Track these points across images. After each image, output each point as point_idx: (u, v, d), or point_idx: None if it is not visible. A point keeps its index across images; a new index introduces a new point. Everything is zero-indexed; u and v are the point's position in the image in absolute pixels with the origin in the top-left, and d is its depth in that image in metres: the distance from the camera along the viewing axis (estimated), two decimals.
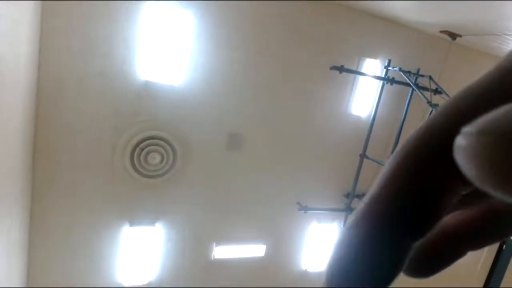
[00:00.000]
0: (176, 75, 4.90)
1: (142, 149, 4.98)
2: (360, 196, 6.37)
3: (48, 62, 4.24)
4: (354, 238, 0.20)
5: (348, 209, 6.19)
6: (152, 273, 5.57)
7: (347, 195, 6.30)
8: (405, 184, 0.19)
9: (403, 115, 5.91)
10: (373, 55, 5.89)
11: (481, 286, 8.42)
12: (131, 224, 5.24)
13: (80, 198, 4.85)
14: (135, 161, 4.98)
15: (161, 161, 5.11)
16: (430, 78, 5.58)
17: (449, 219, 0.23)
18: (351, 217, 0.21)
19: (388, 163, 0.20)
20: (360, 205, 0.20)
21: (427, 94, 5.41)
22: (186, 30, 4.75)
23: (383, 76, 5.77)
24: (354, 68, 5.66)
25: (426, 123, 0.19)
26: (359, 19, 5.59)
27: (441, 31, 5.66)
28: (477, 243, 0.23)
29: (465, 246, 0.23)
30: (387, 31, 5.83)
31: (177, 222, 5.51)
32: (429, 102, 5.16)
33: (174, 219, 5.48)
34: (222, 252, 5.88)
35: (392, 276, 0.20)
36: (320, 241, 6.58)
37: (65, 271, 5.02)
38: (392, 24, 5.79)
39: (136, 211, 5.24)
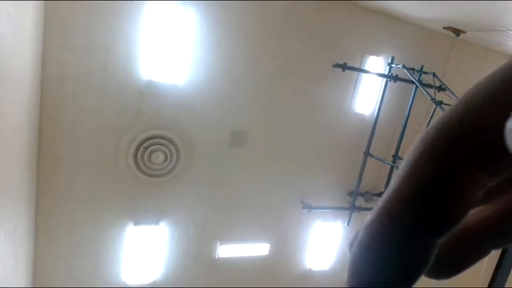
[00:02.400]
0: (179, 74, 4.91)
1: (146, 148, 4.99)
2: (364, 194, 6.35)
3: (51, 59, 4.26)
4: (374, 236, 0.19)
5: (352, 207, 6.16)
6: (157, 272, 5.57)
7: (351, 194, 6.28)
8: (426, 179, 0.18)
9: (406, 113, 5.89)
10: (376, 53, 5.87)
11: (486, 286, 8.34)
12: (135, 223, 5.25)
13: (84, 197, 4.87)
14: (139, 160, 4.99)
15: (165, 160, 5.11)
16: (434, 75, 5.56)
17: (471, 216, 0.21)
18: (369, 216, 0.20)
19: (406, 159, 0.19)
20: (378, 203, 0.20)
21: (431, 91, 5.38)
22: (188, 28, 4.75)
23: (386, 73, 5.75)
24: (357, 66, 5.65)
25: (444, 117, 0.19)
26: (362, 16, 5.57)
27: (444, 28, 5.64)
28: (501, 241, 0.22)
29: (488, 244, 0.22)
30: (390, 28, 5.81)
31: (181, 221, 5.52)
32: (433, 99, 5.14)
33: (178, 218, 5.49)
34: (226, 251, 5.87)
35: (415, 276, 0.19)
36: (324, 240, 6.56)
37: (70, 269, 5.04)
38: (395, 21, 5.77)
39: (140, 210, 5.25)
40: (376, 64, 5.89)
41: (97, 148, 4.77)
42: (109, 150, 4.84)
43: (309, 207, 5.88)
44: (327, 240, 6.59)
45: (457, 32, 5.60)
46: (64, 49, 4.28)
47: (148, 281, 5.56)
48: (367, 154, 6.01)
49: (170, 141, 5.10)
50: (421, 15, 5.47)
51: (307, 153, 5.93)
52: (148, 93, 4.80)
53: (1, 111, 2.79)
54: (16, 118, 3.40)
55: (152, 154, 5.01)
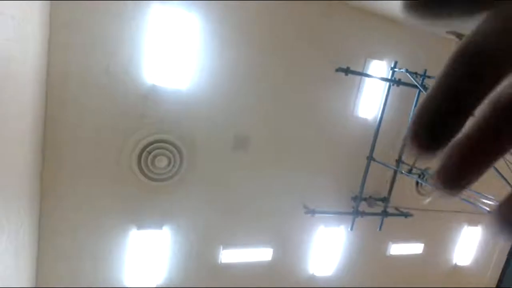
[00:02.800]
0: (183, 79, 4.94)
1: (149, 153, 5.01)
2: (367, 199, 6.31)
3: (56, 61, 4.30)
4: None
5: (356, 212, 6.13)
6: (159, 276, 5.55)
7: (355, 198, 6.25)
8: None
9: (410, 117, 5.86)
10: (380, 57, 5.88)
11: (494, 286, 8.25)
12: (138, 227, 5.25)
13: (87, 199, 4.88)
14: (142, 164, 5.01)
15: (168, 164, 5.13)
16: None
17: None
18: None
19: None
20: None
21: None
22: (191, 33, 4.79)
23: (389, 77, 5.75)
24: (360, 70, 5.66)
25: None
26: (365, 19, 5.60)
27: (447, 32, 5.65)
28: None
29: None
30: (393, 32, 5.83)
31: (184, 225, 5.51)
32: None
33: (181, 222, 5.48)
34: (229, 255, 5.85)
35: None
36: (328, 245, 6.51)
37: (72, 272, 5.03)
38: (398, 25, 5.78)
39: (143, 215, 5.25)
40: (379, 68, 5.90)
41: (100, 151, 4.79)
42: (112, 153, 4.86)
43: (312, 212, 5.85)
44: (330, 245, 6.55)
45: (459, 36, 5.61)
46: (69, 50, 4.33)
47: (151, 285, 5.54)
48: (370, 158, 5.99)
49: (174, 145, 5.12)
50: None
51: (310, 157, 5.92)
52: (151, 97, 4.83)
53: (5, 113, 2.82)
54: (20, 120, 3.43)
55: (156, 158, 5.03)
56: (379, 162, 5.90)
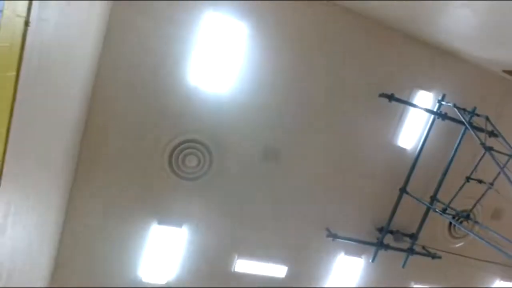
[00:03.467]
0: (224, 83, 5.00)
1: (181, 151, 5.09)
2: (394, 233, 6.03)
3: (109, 53, 4.50)
4: None
5: (380, 244, 5.87)
6: (171, 273, 5.58)
7: (380, 229, 5.99)
8: None
9: (452, 154, 5.59)
10: (427, 87, 5.66)
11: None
12: (159, 222, 5.32)
13: (116, 189, 5.02)
14: (173, 161, 5.10)
15: (198, 164, 5.18)
16: (487, 118, 5.26)
17: None
18: None
19: None
20: None
21: (482, 135, 5.08)
22: (239, 41, 4.85)
23: (435, 110, 5.51)
24: (405, 98, 5.47)
25: None
26: (416, 48, 5.42)
27: (504, 71, 5.34)
28: None
29: None
30: (445, 64, 5.60)
31: (204, 227, 5.52)
32: (483, 144, 4.83)
33: (201, 223, 5.50)
34: (243, 265, 5.77)
35: None
36: (345, 273, 6.26)
37: (90, 255, 5.18)
38: (451, 57, 5.55)
39: (167, 210, 5.32)
40: (425, 99, 5.67)
41: (136, 145, 4.93)
42: (147, 147, 4.98)
43: (334, 236, 5.68)
44: (348, 274, 6.29)
45: None
46: (122, 46, 4.52)
47: (162, 281, 5.58)
48: (403, 190, 5.74)
49: (206, 147, 5.17)
50: (480, 55, 5.23)
51: (340, 180, 5.75)
52: (192, 98, 4.92)
53: (58, 95, 2.97)
54: (69, 104, 3.60)
55: (187, 157, 5.10)
56: (412, 196, 5.64)
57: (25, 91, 2.12)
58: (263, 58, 5.01)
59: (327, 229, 5.79)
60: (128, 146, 4.91)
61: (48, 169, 3.41)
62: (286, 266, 5.98)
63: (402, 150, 5.85)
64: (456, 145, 5.60)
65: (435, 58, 5.53)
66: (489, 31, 4.40)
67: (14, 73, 1.90)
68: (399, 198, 5.76)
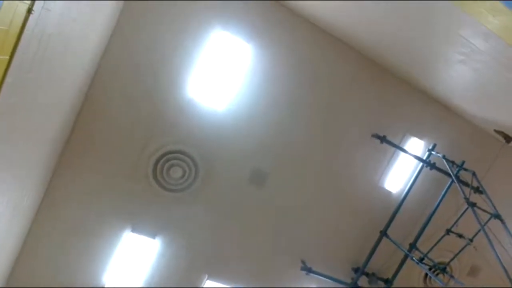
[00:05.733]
0: (221, 100, 5.01)
1: (168, 161, 5.02)
2: (369, 275, 5.93)
3: (113, 52, 4.50)
4: None
5: (354, 285, 5.76)
6: (137, 283, 5.38)
7: (356, 270, 5.89)
8: None
9: (436, 204, 5.60)
10: (419, 135, 5.73)
11: None
12: (133, 229, 5.17)
13: (96, 188, 4.90)
14: (158, 170, 5.01)
15: (182, 176, 5.10)
16: (474, 174, 5.31)
17: None
18: None
19: None
20: None
21: (467, 190, 5.11)
22: (242, 62, 4.91)
23: (424, 158, 5.56)
24: (397, 142, 5.52)
25: None
26: (414, 95, 5.53)
27: (495, 130, 5.45)
28: None
29: None
30: (440, 115, 5.70)
31: (178, 241, 5.37)
32: (466, 199, 4.86)
33: (176, 237, 5.36)
34: (211, 287, 5.60)
35: None
36: None
37: (57, 250, 4.97)
38: (446, 109, 5.66)
39: (143, 219, 5.18)
40: (416, 145, 5.73)
41: (123, 147, 4.86)
42: (134, 152, 4.91)
43: (308, 270, 5.56)
44: None
45: (508, 138, 5.39)
46: (126, 47, 4.53)
47: None
48: (383, 233, 5.70)
49: (193, 160, 5.11)
50: (474, 111, 5.34)
51: (322, 213, 5.70)
52: (187, 110, 4.90)
53: (56, 85, 2.93)
54: (61, 97, 3.56)
55: (172, 168, 5.02)
56: (391, 240, 5.59)
57: (17, 77, 2.09)
58: (263, 82, 5.05)
59: (302, 262, 5.68)
60: (115, 149, 4.83)
61: (28, 162, 3.32)
62: None
63: (388, 193, 5.84)
64: (441, 196, 5.62)
65: (430, 108, 5.63)
66: (484, 90, 4.51)
67: (6, 57, 1.88)
68: (379, 240, 5.71)
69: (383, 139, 5.34)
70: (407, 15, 3.39)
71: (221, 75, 4.93)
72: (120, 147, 4.85)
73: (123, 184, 4.99)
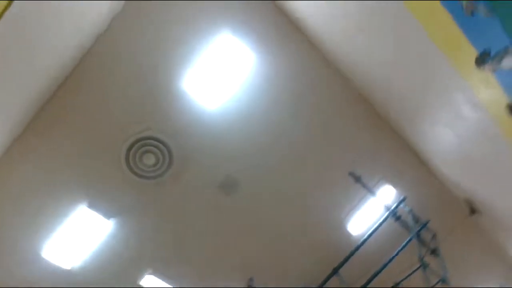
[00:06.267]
0: (215, 100, 4.96)
1: (144, 146, 4.92)
2: None
3: (112, 33, 4.40)
4: None
5: None
6: (79, 260, 5.18)
7: None
8: None
9: (393, 255, 5.63)
10: (394, 184, 5.80)
11: None
12: (90, 206, 5.02)
13: (63, 159, 4.78)
14: (131, 154, 4.90)
15: (154, 165, 5.01)
16: (434, 236, 5.39)
17: None
18: None
19: None
20: None
21: (424, 249, 5.18)
22: (243, 68, 4.89)
23: (392, 208, 5.62)
24: (371, 186, 5.57)
25: None
26: (397, 143, 5.59)
27: (465, 200, 5.57)
28: None
29: None
30: (417, 170, 5.78)
31: (132, 229, 5.25)
32: (421, 259, 4.92)
33: (131, 224, 5.23)
34: (150, 282, 5.43)
35: None
36: None
37: (7, 211, 4.78)
38: (425, 166, 5.76)
39: (103, 197, 5.04)
40: (388, 193, 5.80)
41: (101, 125, 4.76)
42: (111, 132, 4.81)
43: None
44: None
45: (473, 211, 5.53)
46: (126, 32, 4.44)
47: (67, 265, 5.16)
48: (335, 271, 5.68)
49: (169, 151, 5.01)
50: (452, 176, 5.45)
51: (280, 236, 5.67)
52: (177, 102, 4.84)
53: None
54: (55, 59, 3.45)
55: (146, 154, 4.93)
56: (342, 280, 5.58)
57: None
58: (258, 93, 5.02)
59: (249, 283, 5.63)
60: (92, 124, 4.73)
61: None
62: None
63: (348, 233, 5.87)
64: (399, 249, 5.66)
65: (410, 160, 5.71)
66: (464, 158, 4.63)
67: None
68: (329, 276, 5.69)
69: (358, 179, 5.39)
70: (408, 65, 3.47)
71: (220, 77, 4.89)
72: (97, 125, 4.75)
73: (91, 160, 4.87)
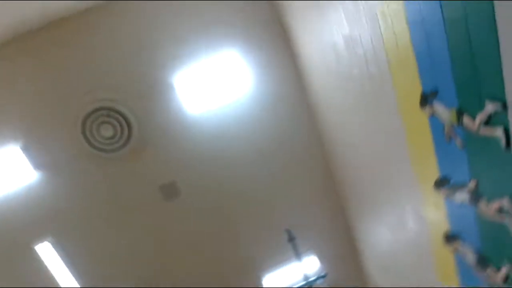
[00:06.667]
0: (198, 106, 4.95)
1: (107, 116, 4.72)
2: None
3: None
4: None
5: None
6: None
7: None
8: None
9: None
10: (320, 258, 5.85)
11: None
12: (23, 148, 4.69)
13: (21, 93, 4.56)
14: (90, 119, 4.69)
15: (109, 138, 4.80)
16: None
17: None
18: None
19: None
20: None
21: None
22: (237, 85, 4.93)
23: (310, 279, 5.60)
24: (300, 250, 5.55)
25: None
26: (341, 226, 5.71)
27: None
28: None
29: None
30: (348, 257, 5.86)
31: (54, 189, 4.93)
32: None
33: (56, 185, 4.94)
34: (45, 250, 5.04)
35: None
36: None
37: None
38: (357, 257, 5.83)
39: (41, 147, 4.76)
40: (312, 264, 5.84)
41: (72, 80, 4.62)
42: (79, 89, 4.64)
43: None
44: None
45: None
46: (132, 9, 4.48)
47: None
48: None
49: (130, 129, 4.82)
50: (376, 276, 5.52)
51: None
52: (158, 88, 4.77)
53: None
54: None
55: (104, 124, 4.73)
56: None
57: None
58: (241, 116, 5.04)
59: None
60: (63, 76, 4.59)
61: None
62: None
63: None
64: None
65: (345, 244, 5.82)
66: (393, 264, 4.71)
67: None
68: None
69: (292, 239, 5.36)
70: (378, 156, 3.56)
71: (213, 86, 4.88)
72: (69, 78, 4.59)
73: (51, 109, 4.65)
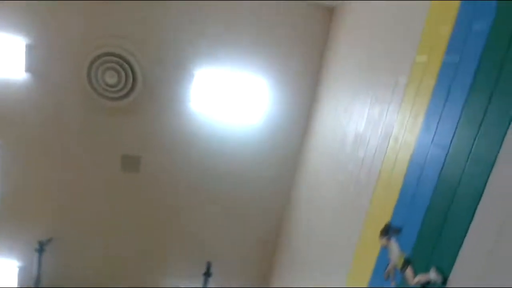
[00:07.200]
0: (206, 105, 4.97)
1: (110, 62, 4.66)
2: None
3: None
4: None
5: None
6: None
7: None
8: None
9: None
10: None
11: None
12: (27, 46, 4.63)
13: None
14: (93, 65, 4.65)
15: (114, 85, 4.74)
16: None
17: None
18: None
19: None
20: None
21: None
22: (250, 90, 4.95)
23: None
24: None
25: None
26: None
27: None
28: None
29: None
30: None
31: (40, 90, 4.82)
32: None
33: (43, 89, 4.83)
34: None
35: None
36: None
37: None
38: None
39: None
40: None
41: (77, 32, 4.68)
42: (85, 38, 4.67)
43: None
44: None
45: None
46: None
47: None
48: None
49: (134, 79, 4.76)
50: None
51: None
52: (171, 55, 4.83)
53: None
54: None
55: (109, 71, 4.68)
56: None
57: None
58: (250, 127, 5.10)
59: None
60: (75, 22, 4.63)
61: None
62: None
63: None
64: None
65: None
66: None
67: None
68: None
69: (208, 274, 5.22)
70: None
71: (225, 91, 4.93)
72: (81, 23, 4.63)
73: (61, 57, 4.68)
